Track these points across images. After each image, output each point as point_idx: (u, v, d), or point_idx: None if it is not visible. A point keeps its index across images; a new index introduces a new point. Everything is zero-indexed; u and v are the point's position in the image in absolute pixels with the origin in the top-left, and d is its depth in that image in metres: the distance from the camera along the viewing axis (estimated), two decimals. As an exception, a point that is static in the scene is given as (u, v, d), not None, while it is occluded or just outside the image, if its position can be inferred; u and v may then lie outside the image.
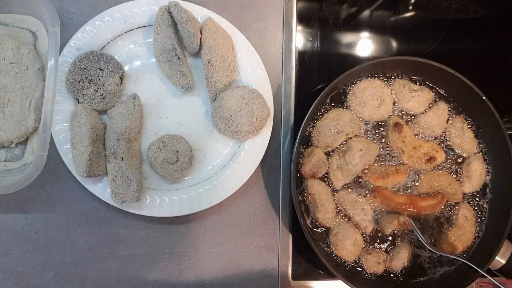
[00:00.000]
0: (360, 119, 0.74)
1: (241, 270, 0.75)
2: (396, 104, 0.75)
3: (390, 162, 0.74)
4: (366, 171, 0.73)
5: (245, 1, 0.79)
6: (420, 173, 0.74)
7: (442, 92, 0.76)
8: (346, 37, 0.82)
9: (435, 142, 0.75)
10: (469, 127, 0.76)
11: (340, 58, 0.82)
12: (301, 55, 0.80)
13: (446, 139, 0.76)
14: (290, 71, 0.79)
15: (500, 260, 0.69)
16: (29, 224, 0.71)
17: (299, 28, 0.81)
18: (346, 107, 0.74)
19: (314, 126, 0.73)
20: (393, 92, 0.75)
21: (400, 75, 0.76)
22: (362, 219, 0.71)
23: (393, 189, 0.73)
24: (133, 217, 0.72)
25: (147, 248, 0.73)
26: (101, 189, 0.69)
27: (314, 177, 0.72)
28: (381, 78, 0.75)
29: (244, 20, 0.78)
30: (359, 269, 0.72)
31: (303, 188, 0.72)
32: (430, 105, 0.76)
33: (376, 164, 0.73)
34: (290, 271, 0.75)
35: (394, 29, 0.84)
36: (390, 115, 0.75)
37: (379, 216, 0.73)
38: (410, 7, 0.85)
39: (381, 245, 0.73)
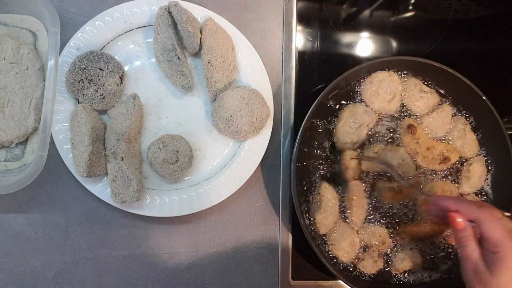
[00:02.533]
0: (372, 110, 0.74)
1: (241, 270, 0.75)
2: (403, 101, 0.75)
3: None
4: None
5: (245, 1, 0.79)
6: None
7: (442, 92, 0.76)
8: (346, 37, 0.82)
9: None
10: (471, 129, 0.76)
11: (340, 58, 0.82)
12: (301, 55, 0.80)
13: (448, 140, 0.76)
14: (290, 71, 0.79)
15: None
16: (29, 224, 0.71)
17: (299, 28, 0.81)
18: (357, 101, 0.74)
19: (333, 132, 0.73)
20: (404, 88, 0.75)
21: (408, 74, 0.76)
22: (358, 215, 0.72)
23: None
24: (133, 217, 0.72)
25: (147, 248, 0.73)
26: (101, 189, 0.69)
27: (358, 179, 0.72)
28: (399, 74, 0.75)
29: (244, 20, 0.78)
30: (359, 269, 0.72)
31: (315, 187, 0.72)
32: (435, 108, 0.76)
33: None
34: (290, 271, 0.75)
35: (394, 29, 0.84)
36: (399, 117, 0.75)
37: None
38: (410, 7, 0.85)
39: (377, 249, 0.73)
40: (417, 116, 0.75)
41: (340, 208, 0.72)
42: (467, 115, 0.76)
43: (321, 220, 0.70)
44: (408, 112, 0.75)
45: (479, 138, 0.76)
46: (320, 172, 0.73)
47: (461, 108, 0.76)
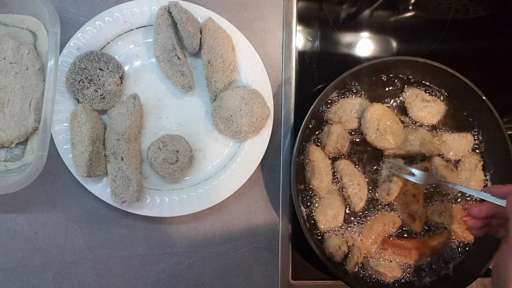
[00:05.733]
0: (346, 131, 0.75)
1: (241, 270, 0.75)
2: (408, 113, 0.75)
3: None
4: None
5: (245, 1, 0.79)
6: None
7: (442, 91, 0.76)
8: (346, 37, 0.82)
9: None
10: (482, 168, 0.75)
11: (340, 58, 0.82)
12: (301, 55, 0.80)
13: (456, 166, 0.75)
14: (290, 71, 0.79)
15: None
16: (29, 224, 0.71)
17: (299, 28, 0.81)
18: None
19: (338, 101, 0.74)
20: (406, 100, 0.75)
21: (408, 77, 0.76)
22: (355, 193, 0.72)
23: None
24: (133, 217, 0.72)
25: (147, 248, 0.73)
26: (101, 189, 0.69)
27: (339, 154, 0.73)
28: (396, 80, 0.76)
29: (244, 20, 0.78)
30: (359, 270, 0.72)
31: (304, 154, 0.73)
32: (441, 117, 0.76)
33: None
34: (290, 271, 0.75)
35: (394, 29, 0.84)
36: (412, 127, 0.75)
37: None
38: (410, 7, 0.85)
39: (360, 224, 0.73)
40: (435, 130, 0.76)
41: (333, 175, 0.73)
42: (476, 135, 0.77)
43: (318, 184, 0.71)
44: (417, 123, 0.75)
45: (482, 155, 0.76)
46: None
47: (459, 105, 0.76)
